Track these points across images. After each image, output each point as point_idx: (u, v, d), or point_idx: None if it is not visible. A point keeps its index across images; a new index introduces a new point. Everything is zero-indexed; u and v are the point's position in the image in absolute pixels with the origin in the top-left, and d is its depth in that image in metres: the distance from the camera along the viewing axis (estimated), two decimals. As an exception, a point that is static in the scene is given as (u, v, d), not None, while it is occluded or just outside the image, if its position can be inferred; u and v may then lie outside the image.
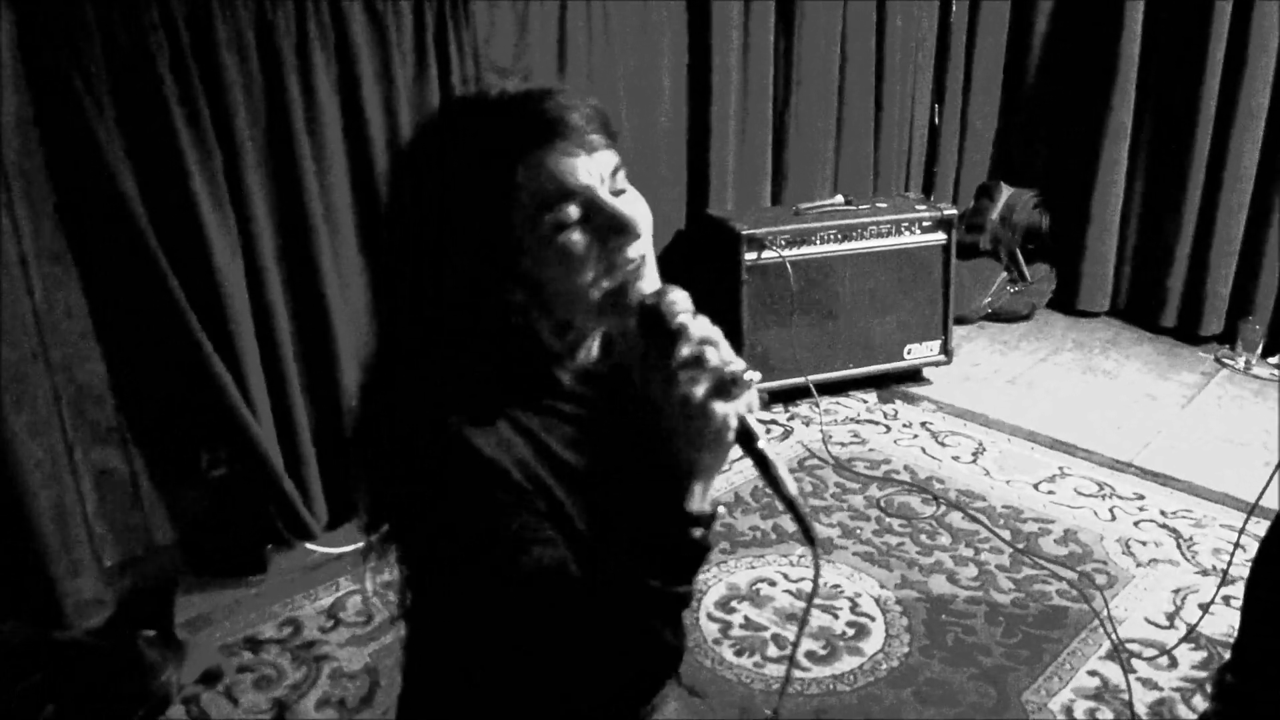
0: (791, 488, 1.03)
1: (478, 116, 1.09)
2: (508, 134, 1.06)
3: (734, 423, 1.01)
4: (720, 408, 0.99)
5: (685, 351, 1.01)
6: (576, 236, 1.07)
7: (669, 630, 1.08)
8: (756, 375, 1.02)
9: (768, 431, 3.54)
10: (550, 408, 1.16)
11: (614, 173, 1.10)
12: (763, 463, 1.03)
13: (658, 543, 1.04)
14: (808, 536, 1.05)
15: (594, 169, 1.07)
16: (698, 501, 1.04)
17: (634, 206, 1.10)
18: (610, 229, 1.07)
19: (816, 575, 1.13)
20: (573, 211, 1.06)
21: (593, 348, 1.20)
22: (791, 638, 2.50)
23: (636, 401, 1.07)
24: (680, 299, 1.05)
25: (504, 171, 1.05)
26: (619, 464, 1.13)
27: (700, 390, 0.99)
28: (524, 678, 1.10)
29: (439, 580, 1.15)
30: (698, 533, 1.05)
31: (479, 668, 1.17)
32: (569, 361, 1.18)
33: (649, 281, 1.11)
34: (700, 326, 1.03)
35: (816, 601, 2.64)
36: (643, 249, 1.10)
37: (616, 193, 1.10)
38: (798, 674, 2.39)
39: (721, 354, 1.02)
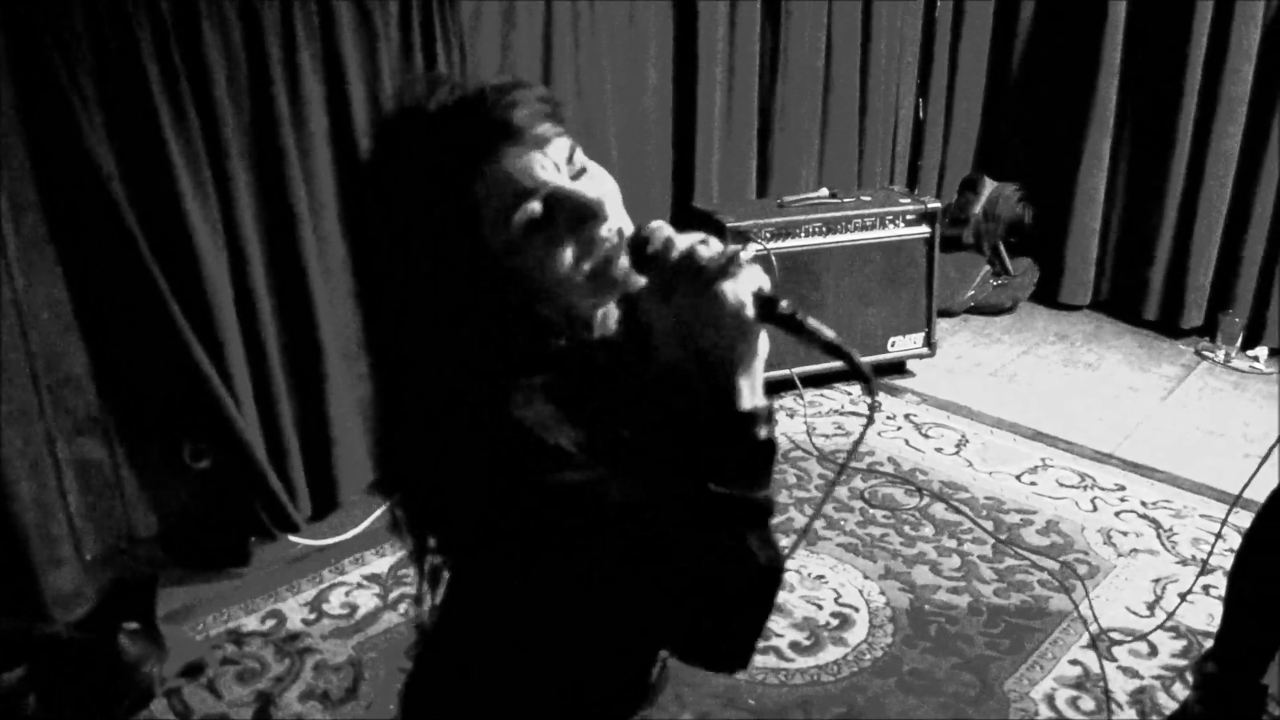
0: (830, 333, 1.03)
1: (423, 136, 1.07)
2: (458, 152, 1.05)
3: (748, 298, 1.01)
4: (729, 287, 1.00)
5: (675, 254, 1.03)
6: (547, 230, 1.07)
7: (759, 541, 1.05)
8: (752, 249, 1.04)
9: (873, 409, 3.55)
10: (583, 383, 1.14)
11: (570, 157, 1.09)
12: (794, 324, 1.03)
13: (725, 451, 1.04)
14: (861, 374, 1.04)
15: (549, 161, 1.07)
16: (748, 398, 1.04)
17: (599, 185, 1.10)
18: (578, 217, 1.07)
19: (872, 411, 1.13)
20: (537, 207, 1.06)
21: (609, 321, 1.20)
22: (776, 628, 2.50)
23: (660, 345, 1.08)
24: (661, 225, 1.07)
25: (463, 190, 1.05)
26: (664, 423, 1.11)
27: (702, 280, 1.01)
28: (622, 616, 1.11)
29: (517, 553, 1.11)
30: (762, 431, 1.04)
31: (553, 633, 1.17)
32: (587, 336, 1.17)
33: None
34: (684, 237, 1.05)
35: (802, 592, 2.65)
36: (616, 223, 1.09)
37: (577, 174, 1.09)
38: (781, 665, 2.40)
39: (712, 246, 1.04)
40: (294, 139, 2.66)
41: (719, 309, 1.01)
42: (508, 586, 1.17)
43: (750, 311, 1.02)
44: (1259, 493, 2.07)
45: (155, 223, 2.46)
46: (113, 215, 2.39)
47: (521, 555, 1.09)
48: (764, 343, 1.06)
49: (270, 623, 2.55)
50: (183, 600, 2.62)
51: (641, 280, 1.08)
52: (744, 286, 1.02)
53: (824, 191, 3.83)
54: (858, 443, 1.24)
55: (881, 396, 3.77)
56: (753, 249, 1.01)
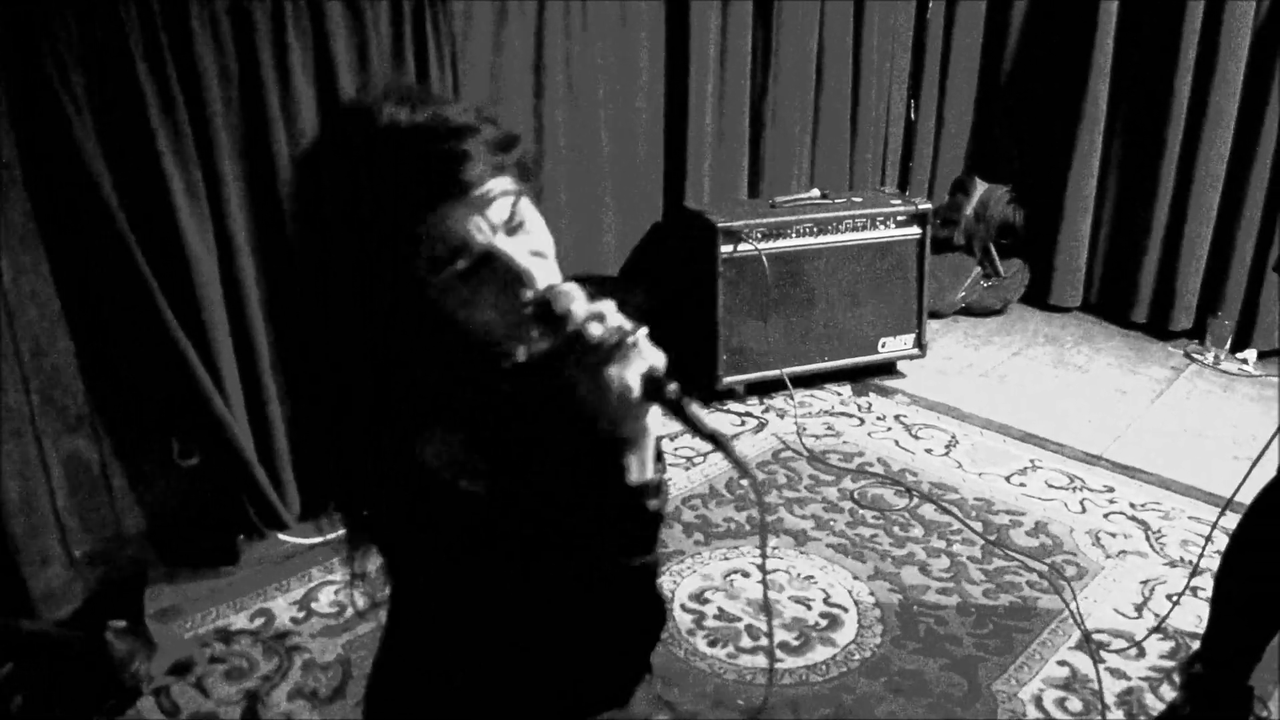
0: (709, 425, 1.05)
1: (371, 154, 1.06)
2: (400, 194, 1.05)
3: (634, 382, 1.03)
4: (614, 371, 1.02)
5: (569, 329, 1.04)
6: (473, 285, 1.08)
7: (643, 600, 1.12)
8: (643, 330, 1.05)
9: (741, 424, 3.56)
10: (495, 400, 1.17)
11: (511, 215, 1.09)
12: (677, 409, 1.05)
13: (610, 520, 1.07)
14: (741, 469, 1.08)
15: (487, 224, 1.07)
16: (636, 473, 1.07)
17: (534, 242, 1.10)
18: (504, 281, 1.07)
19: (762, 510, 1.19)
20: (463, 264, 1.07)
21: (532, 347, 1.19)
22: (764, 628, 2.51)
23: (562, 393, 1.09)
24: (570, 289, 1.06)
25: (401, 227, 1.05)
26: (565, 448, 1.14)
27: (590, 362, 1.03)
28: (509, 655, 1.15)
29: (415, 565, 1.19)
30: (650, 504, 1.07)
31: (463, 646, 1.21)
32: (506, 362, 1.16)
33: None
34: (584, 306, 1.05)
35: (791, 592, 2.65)
36: (541, 284, 1.08)
37: (515, 230, 1.09)
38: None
39: (607, 323, 1.04)
40: (284, 136, 2.66)
41: (605, 392, 1.03)
42: (434, 592, 1.22)
43: (636, 394, 1.04)
44: (1249, 496, 2.08)
45: (144, 220, 2.45)
46: (101, 212, 2.38)
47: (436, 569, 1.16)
48: (655, 420, 1.07)
49: (259, 621, 2.54)
50: (171, 598, 2.61)
51: (544, 343, 1.09)
52: (632, 370, 1.03)
53: (815, 192, 3.84)
54: (763, 528, 1.29)
55: (872, 396, 3.78)
56: (644, 331, 1.02)
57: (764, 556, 1.11)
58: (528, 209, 1.10)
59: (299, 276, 1.16)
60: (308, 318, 1.20)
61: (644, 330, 1.05)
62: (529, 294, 1.08)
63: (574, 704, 1.31)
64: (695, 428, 1.05)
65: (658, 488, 1.09)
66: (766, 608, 1.26)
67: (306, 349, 1.25)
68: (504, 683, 1.24)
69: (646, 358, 1.04)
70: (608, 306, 1.06)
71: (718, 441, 1.06)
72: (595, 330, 1.03)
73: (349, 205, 1.07)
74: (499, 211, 1.07)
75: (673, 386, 1.04)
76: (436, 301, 1.09)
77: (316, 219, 1.11)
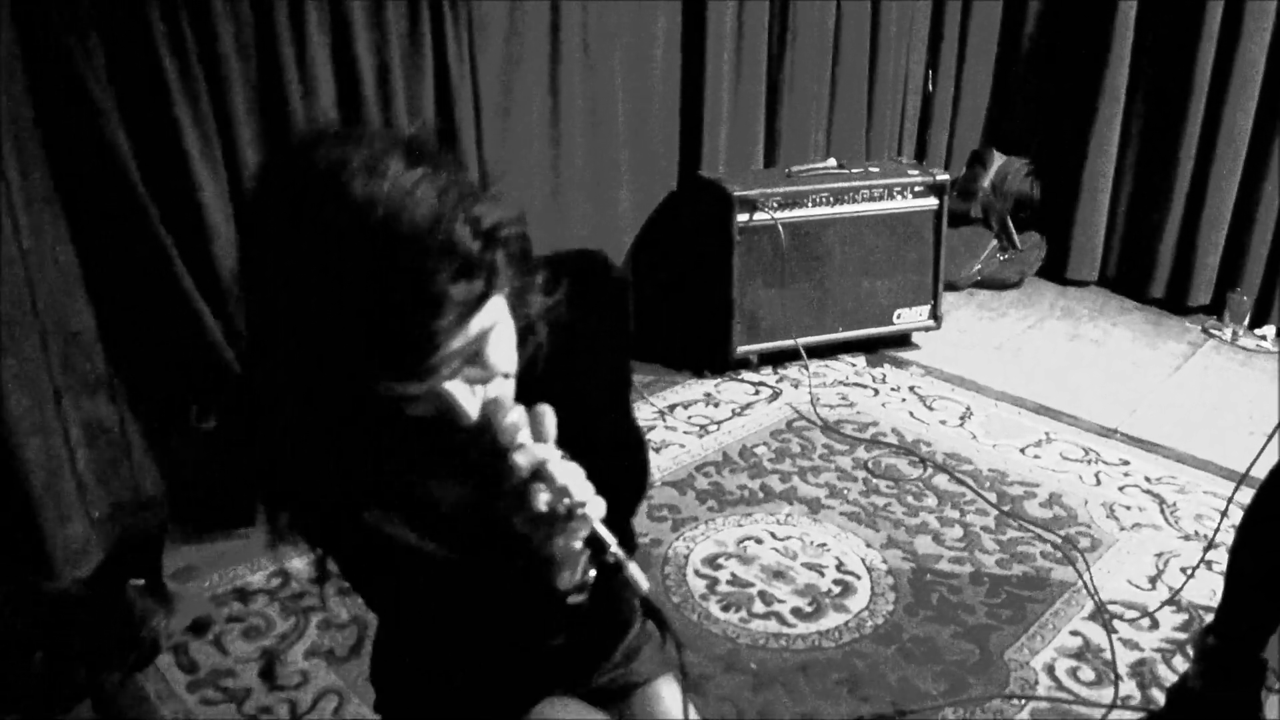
0: (644, 585, 1.02)
1: (326, 242, 0.90)
2: (353, 346, 0.91)
3: (577, 545, 1.00)
4: (560, 541, 0.99)
5: (514, 485, 0.98)
6: (405, 405, 1.00)
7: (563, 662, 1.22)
8: (597, 506, 0.98)
9: (755, 393, 3.56)
10: (433, 464, 1.15)
11: (479, 340, 0.97)
12: (615, 569, 1.02)
13: (534, 610, 1.09)
14: (669, 634, 1.08)
15: (452, 358, 0.96)
16: (567, 582, 1.05)
17: (495, 362, 0.99)
18: (442, 412, 0.99)
19: (683, 669, 1.25)
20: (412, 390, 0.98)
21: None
22: (778, 595, 2.52)
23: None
24: (514, 419, 0.99)
25: (356, 371, 0.94)
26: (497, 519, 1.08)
27: (537, 532, 1.00)
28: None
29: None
30: (575, 598, 1.07)
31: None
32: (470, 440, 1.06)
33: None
34: (530, 455, 0.97)
35: (804, 559, 2.66)
36: (479, 419, 1.00)
37: (472, 358, 0.98)
38: (783, 630, 2.41)
39: (555, 486, 0.97)
40: (300, 102, 2.65)
41: (548, 555, 1.01)
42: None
43: (578, 555, 1.02)
44: (1264, 470, 2.07)
45: (162, 183, 2.46)
46: (120, 176, 2.39)
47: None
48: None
49: (275, 581, 2.56)
50: (188, 559, 2.63)
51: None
52: (579, 538, 1.00)
53: (832, 162, 3.82)
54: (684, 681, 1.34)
55: (887, 368, 3.77)
56: (595, 505, 0.98)
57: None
58: (491, 336, 0.98)
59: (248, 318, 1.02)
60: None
61: (596, 505, 0.98)
62: (464, 423, 0.99)
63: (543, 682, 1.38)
64: (631, 588, 1.02)
65: (582, 587, 1.07)
66: None
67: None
68: (468, 665, 1.30)
69: (593, 521, 0.99)
70: (544, 453, 0.98)
71: (650, 606, 1.05)
72: (542, 500, 0.97)
73: (294, 298, 0.93)
74: (465, 337, 0.95)
75: (614, 550, 1.00)
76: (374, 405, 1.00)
77: (258, 279, 0.98)
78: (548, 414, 1.00)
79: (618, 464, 1.09)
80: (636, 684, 1.45)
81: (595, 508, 0.98)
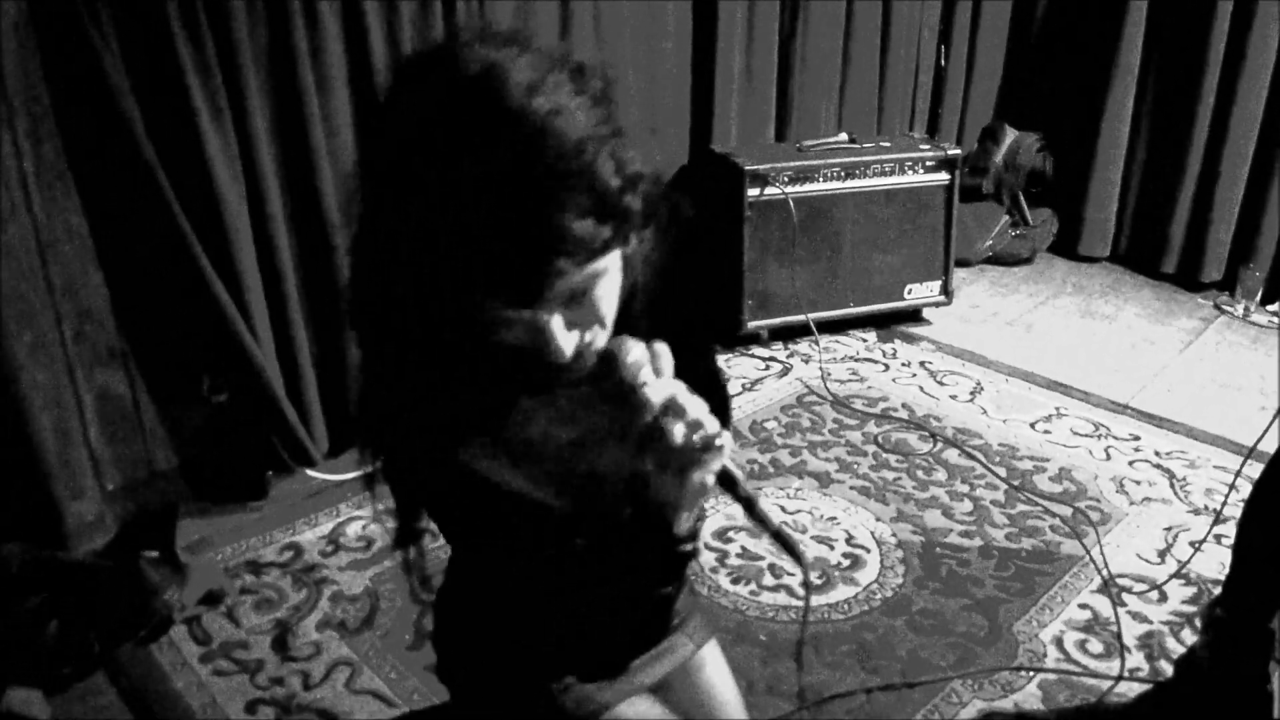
0: (775, 523, 1.04)
1: (469, 167, 0.88)
2: (486, 225, 0.88)
3: (711, 480, 0.99)
4: (696, 476, 0.98)
5: (648, 421, 0.96)
6: (503, 335, 0.99)
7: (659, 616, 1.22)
8: (727, 435, 0.98)
9: (766, 368, 3.56)
10: (543, 404, 1.14)
11: (583, 285, 0.96)
12: (747, 504, 1.03)
13: (648, 558, 1.08)
14: (799, 562, 1.07)
15: (554, 293, 0.94)
16: (685, 524, 1.05)
17: (596, 308, 0.99)
18: (541, 346, 0.99)
19: (808, 595, 1.22)
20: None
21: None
22: (788, 568, 2.52)
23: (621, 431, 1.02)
24: (638, 356, 0.98)
25: (475, 259, 0.91)
26: (609, 462, 1.10)
27: (675, 465, 0.98)
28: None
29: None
30: (686, 547, 1.07)
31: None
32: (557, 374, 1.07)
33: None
34: (661, 390, 0.97)
35: (814, 532, 2.67)
36: (569, 351, 0.99)
37: (574, 299, 0.97)
38: (792, 602, 2.42)
39: (688, 418, 0.96)
40: (311, 69, 2.65)
41: (685, 491, 0.99)
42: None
43: (710, 489, 1.01)
44: (1273, 444, 2.07)
45: (173, 155, 2.46)
46: (132, 149, 2.39)
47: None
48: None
49: (288, 554, 2.58)
50: (201, 532, 2.65)
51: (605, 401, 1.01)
52: (711, 470, 0.99)
53: (843, 136, 3.81)
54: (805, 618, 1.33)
55: (897, 343, 3.77)
56: (727, 435, 0.98)
57: (802, 638, 1.13)
58: (601, 282, 0.98)
59: (360, 222, 1.03)
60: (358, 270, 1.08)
61: (727, 435, 0.98)
62: (551, 357, 0.98)
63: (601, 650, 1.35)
64: (763, 524, 1.03)
65: (693, 535, 1.08)
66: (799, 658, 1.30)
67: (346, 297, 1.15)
68: (538, 624, 1.27)
69: (726, 453, 0.99)
70: (676, 389, 0.97)
71: (783, 541, 1.04)
72: (678, 432, 0.96)
73: (413, 181, 0.91)
74: (574, 278, 0.94)
75: (746, 488, 1.01)
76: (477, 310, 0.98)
77: (382, 178, 0.97)
78: (665, 351, 0.99)
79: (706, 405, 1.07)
80: (685, 657, 1.44)
81: (728, 439, 0.98)
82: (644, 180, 0.96)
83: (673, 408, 0.96)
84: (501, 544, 1.14)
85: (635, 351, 0.98)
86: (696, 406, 0.97)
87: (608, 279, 0.98)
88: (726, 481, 1.01)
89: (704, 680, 1.43)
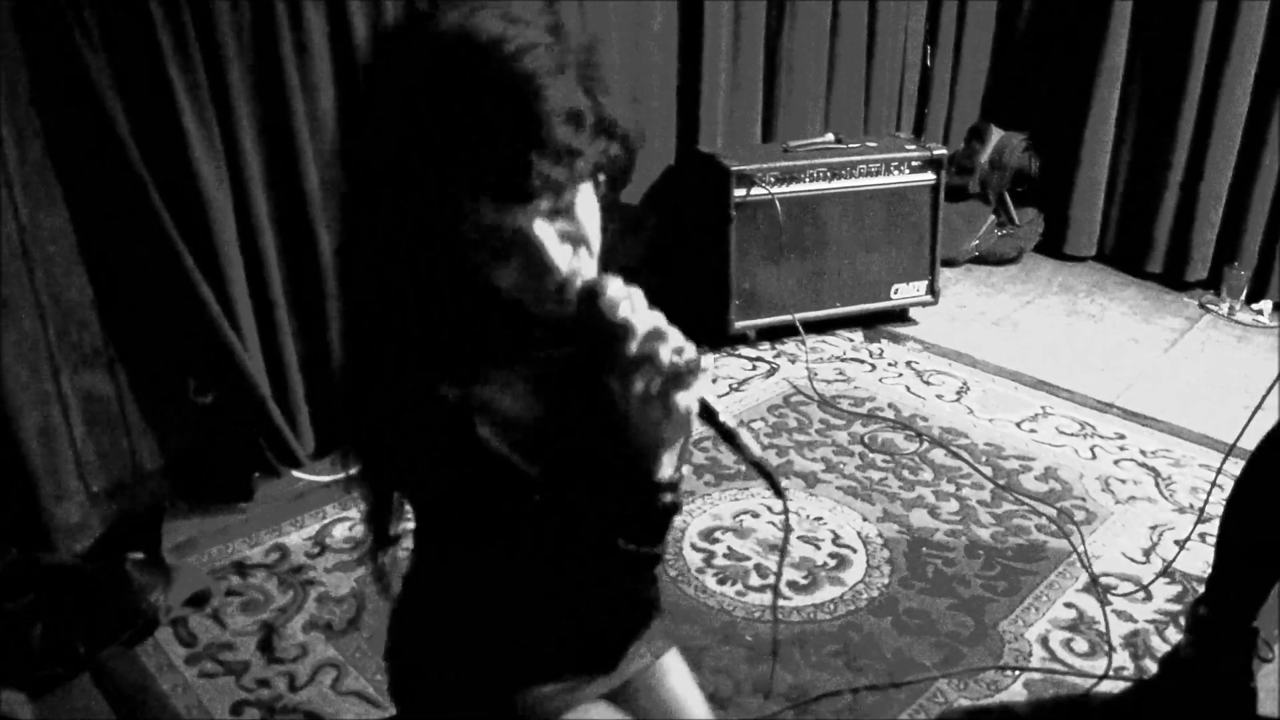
0: (756, 450, 1.04)
1: (459, 76, 0.97)
2: (463, 163, 0.97)
3: (695, 407, 1.01)
4: (681, 399, 1.00)
5: (634, 349, 1.00)
6: (503, 249, 1.03)
7: (644, 586, 1.15)
8: (709, 358, 1.02)
9: (753, 368, 3.57)
10: (523, 359, 1.15)
11: (569, 201, 1.03)
12: (727, 435, 1.04)
13: (628, 511, 1.07)
14: (778, 493, 1.08)
15: (534, 209, 1.01)
16: (666, 470, 1.06)
17: (578, 225, 1.04)
18: (527, 263, 1.03)
19: (787, 530, 1.20)
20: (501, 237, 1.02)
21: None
22: (774, 568, 2.53)
23: (599, 377, 1.05)
24: (617, 290, 1.02)
25: (460, 173, 0.98)
26: (590, 416, 1.12)
27: (656, 387, 1.00)
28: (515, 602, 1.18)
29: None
30: (667, 498, 1.07)
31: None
32: (540, 317, 1.12)
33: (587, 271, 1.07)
34: (644, 319, 1.01)
35: (798, 534, 2.67)
36: (567, 274, 1.04)
37: (558, 213, 1.03)
38: (782, 602, 2.42)
39: (671, 344, 1.00)
40: (296, 69, 2.65)
41: (666, 415, 1.00)
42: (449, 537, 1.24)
43: (694, 418, 1.02)
44: (1254, 440, 2.08)
45: (159, 157, 2.45)
46: (117, 149, 2.39)
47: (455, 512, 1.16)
48: (694, 423, 1.05)
49: (274, 556, 2.57)
50: (187, 533, 2.64)
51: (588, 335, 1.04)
52: (696, 393, 1.01)
53: (829, 137, 3.82)
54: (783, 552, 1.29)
55: (884, 343, 3.78)
56: (710, 358, 1.00)
57: (779, 575, 1.10)
58: (581, 197, 1.04)
59: (347, 195, 1.09)
60: (344, 250, 1.15)
61: (710, 358, 1.03)
62: (549, 281, 1.03)
63: (572, 654, 1.35)
64: (743, 454, 1.04)
65: (675, 485, 1.08)
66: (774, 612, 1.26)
67: (338, 281, 1.19)
68: (510, 628, 1.26)
69: (708, 380, 1.02)
70: (658, 319, 1.01)
71: (762, 470, 1.06)
72: (664, 357, 0.99)
73: (407, 117, 0.98)
74: (548, 200, 1.01)
75: (726, 418, 1.03)
76: (468, 248, 1.04)
77: (366, 123, 1.05)
78: (638, 290, 1.04)
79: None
80: (646, 665, 1.42)
81: (709, 362, 1.02)
82: (618, 122, 1.04)
83: (655, 334, 1.00)
84: (511, 520, 1.12)
85: (615, 284, 1.03)
86: (677, 333, 1.01)
87: (587, 200, 1.05)
88: (707, 413, 1.03)
89: (667, 688, 1.42)
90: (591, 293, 1.02)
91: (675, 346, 1.00)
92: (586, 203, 1.05)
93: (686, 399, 1.00)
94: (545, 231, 1.02)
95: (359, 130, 1.07)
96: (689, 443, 1.06)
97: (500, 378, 1.12)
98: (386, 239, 1.05)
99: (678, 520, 2.58)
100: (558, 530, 1.08)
